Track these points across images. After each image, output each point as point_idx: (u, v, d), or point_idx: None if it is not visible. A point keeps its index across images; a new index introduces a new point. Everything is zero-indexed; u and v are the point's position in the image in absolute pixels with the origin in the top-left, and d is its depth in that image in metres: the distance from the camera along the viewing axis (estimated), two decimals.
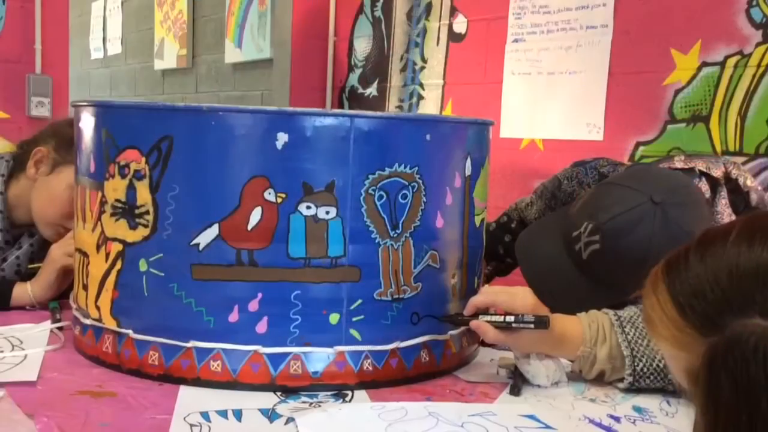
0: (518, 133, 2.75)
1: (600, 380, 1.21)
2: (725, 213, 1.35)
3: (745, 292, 0.61)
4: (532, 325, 1.13)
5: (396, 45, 3.25)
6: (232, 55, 4.14)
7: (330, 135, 1.10)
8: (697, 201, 1.29)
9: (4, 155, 1.69)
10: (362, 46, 3.42)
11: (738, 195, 1.39)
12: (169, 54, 4.77)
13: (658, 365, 1.15)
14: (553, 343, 1.18)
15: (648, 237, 1.21)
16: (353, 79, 3.47)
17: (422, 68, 3.13)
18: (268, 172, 1.09)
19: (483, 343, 1.38)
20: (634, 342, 1.16)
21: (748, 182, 1.38)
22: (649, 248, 1.19)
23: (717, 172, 1.38)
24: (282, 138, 1.08)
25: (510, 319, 1.15)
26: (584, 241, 1.25)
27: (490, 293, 1.20)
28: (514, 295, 1.18)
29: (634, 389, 1.18)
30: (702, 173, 1.39)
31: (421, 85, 3.14)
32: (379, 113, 1.16)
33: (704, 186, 1.37)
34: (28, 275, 1.59)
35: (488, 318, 1.17)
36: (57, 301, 1.51)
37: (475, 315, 1.19)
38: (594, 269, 1.26)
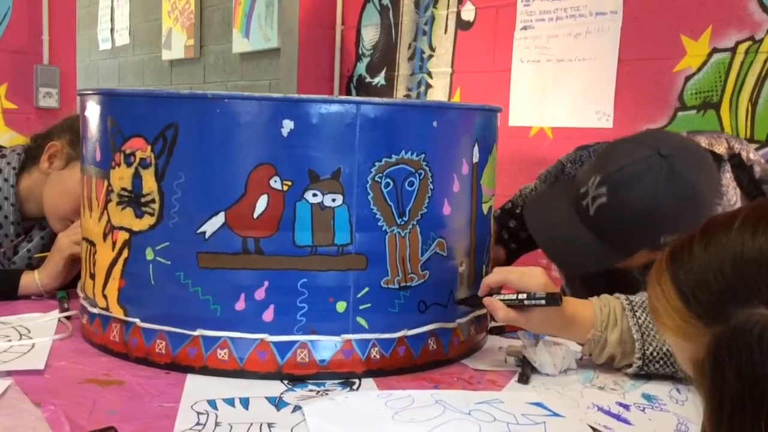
0: (527, 121, 2.73)
1: (610, 365, 1.20)
2: (730, 186, 1.35)
3: (749, 281, 0.61)
4: (543, 302, 1.12)
5: (404, 33, 3.24)
6: (239, 44, 4.14)
7: (336, 122, 1.09)
8: (706, 162, 1.30)
9: (16, 148, 1.69)
10: (370, 34, 3.41)
11: (742, 170, 1.39)
12: (177, 44, 4.77)
13: (668, 350, 1.14)
14: (563, 325, 1.17)
15: (654, 188, 1.22)
16: (361, 68, 3.46)
17: (430, 56, 3.12)
18: (273, 159, 1.08)
19: (491, 331, 1.38)
20: (645, 326, 1.15)
21: (751, 155, 1.39)
22: (654, 200, 1.22)
23: (720, 149, 1.39)
24: (287, 125, 1.08)
25: (522, 296, 1.14)
26: (591, 195, 1.27)
27: (502, 272, 1.20)
28: (525, 274, 1.17)
29: (643, 376, 1.17)
30: (705, 150, 1.39)
31: (429, 74, 3.13)
32: (385, 99, 1.15)
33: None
34: (36, 265, 1.59)
35: (500, 296, 1.17)
36: (65, 291, 1.51)
37: (489, 295, 1.19)
38: (601, 224, 1.28)
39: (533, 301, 1.13)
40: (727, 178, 1.35)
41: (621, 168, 1.25)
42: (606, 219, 1.27)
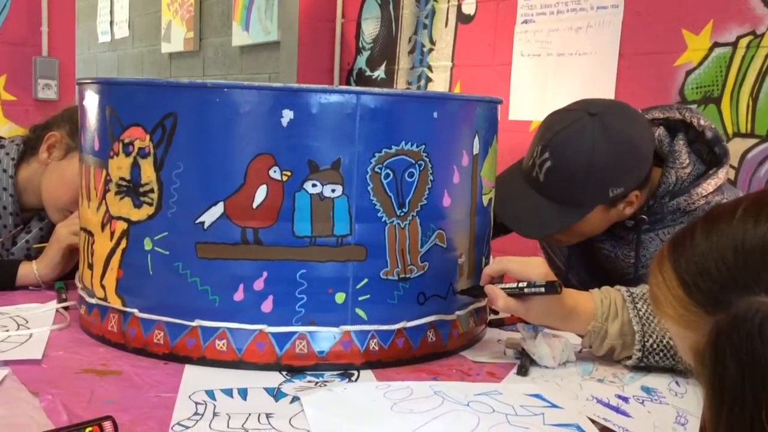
0: (527, 116, 2.73)
1: (610, 358, 1.20)
2: (683, 151, 1.45)
3: (751, 269, 0.61)
4: (543, 289, 1.12)
5: (404, 27, 3.23)
6: (239, 37, 4.13)
7: (336, 112, 1.09)
8: (635, 114, 1.43)
9: (15, 138, 1.69)
10: (370, 28, 3.40)
11: (700, 141, 1.47)
12: (176, 37, 4.76)
13: (668, 342, 1.14)
14: (563, 315, 1.17)
15: (591, 144, 1.35)
16: (361, 61, 3.45)
17: (430, 50, 3.11)
18: (273, 149, 1.08)
19: (490, 324, 1.37)
20: (646, 318, 1.15)
21: (702, 122, 1.48)
22: (594, 154, 1.35)
23: (674, 119, 1.49)
24: (287, 115, 1.07)
25: (522, 284, 1.14)
26: (538, 163, 1.39)
27: (503, 261, 1.20)
28: (526, 263, 1.18)
29: (642, 368, 1.17)
30: (659, 122, 1.49)
31: (430, 67, 3.12)
32: (385, 90, 1.15)
33: (662, 132, 1.48)
34: (34, 255, 1.58)
35: (501, 285, 1.17)
36: (63, 282, 1.51)
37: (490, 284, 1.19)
38: (552, 187, 1.39)
39: (533, 289, 1.13)
40: (680, 144, 1.45)
41: (557, 133, 1.38)
42: (555, 180, 1.39)
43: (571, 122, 1.38)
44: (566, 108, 1.45)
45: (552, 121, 1.43)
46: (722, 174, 1.43)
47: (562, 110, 1.45)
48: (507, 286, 1.16)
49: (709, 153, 1.47)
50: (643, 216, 1.44)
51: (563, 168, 1.37)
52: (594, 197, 1.39)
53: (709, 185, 1.41)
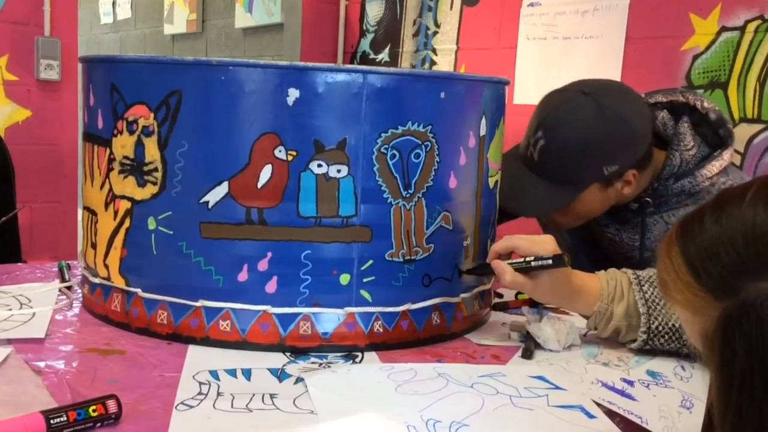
0: (532, 99, 2.70)
1: (614, 342, 1.20)
2: (687, 133, 1.45)
3: (761, 254, 0.60)
4: (550, 261, 1.12)
5: (409, 9, 3.21)
6: (242, 19, 4.10)
7: (342, 91, 1.08)
8: (630, 93, 1.44)
9: None
10: (374, 10, 3.37)
11: (705, 123, 1.47)
12: (179, 18, 4.73)
13: (673, 325, 1.14)
14: (569, 294, 1.16)
15: (584, 122, 1.37)
16: (365, 44, 3.43)
17: (435, 33, 3.09)
18: (278, 129, 1.07)
19: (495, 307, 1.37)
20: (651, 301, 1.15)
21: (705, 104, 1.48)
22: (587, 132, 1.36)
23: (678, 102, 1.49)
24: (293, 94, 1.06)
25: (530, 258, 1.14)
26: (532, 143, 1.42)
27: (511, 239, 1.19)
28: (534, 241, 1.17)
29: (648, 352, 1.17)
30: (663, 105, 1.50)
31: (434, 51, 3.10)
32: (392, 69, 1.14)
33: (666, 115, 1.48)
34: None
35: (508, 261, 1.16)
36: (67, 262, 1.50)
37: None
38: (546, 166, 1.41)
39: (540, 262, 1.12)
40: (685, 126, 1.45)
41: (551, 112, 1.40)
42: (549, 159, 1.40)
43: (565, 101, 1.40)
44: (562, 88, 1.46)
45: (547, 101, 1.45)
46: (727, 156, 1.42)
47: (558, 90, 1.46)
48: (514, 261, 1.15)
49: (714, 135, 1.46)
50: (648, 199, 1.43)
51: (556, 146, 1.38)
52: (588, 175, 1.40)
53: (713, 167, 1.40)
